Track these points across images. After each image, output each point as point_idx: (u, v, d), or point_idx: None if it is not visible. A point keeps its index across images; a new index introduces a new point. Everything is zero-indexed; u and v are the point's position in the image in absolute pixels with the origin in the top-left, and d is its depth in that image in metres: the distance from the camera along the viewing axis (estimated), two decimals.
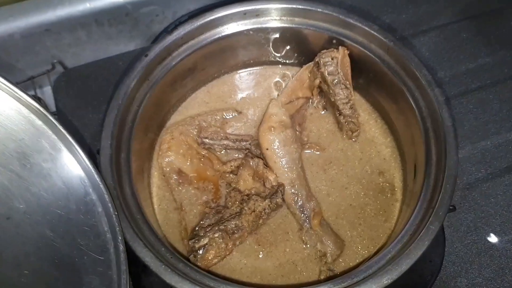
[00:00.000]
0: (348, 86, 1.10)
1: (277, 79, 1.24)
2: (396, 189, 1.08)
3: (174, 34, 1.07)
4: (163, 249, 0.86)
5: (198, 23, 1.08)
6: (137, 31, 1.54)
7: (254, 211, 0.97)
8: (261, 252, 1.01)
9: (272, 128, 1.05)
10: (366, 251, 1.01)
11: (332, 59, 1.09)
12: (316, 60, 1.11)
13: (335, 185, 1.09)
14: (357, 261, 1.00)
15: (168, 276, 0.80)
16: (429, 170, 0.92)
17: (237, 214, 0.98)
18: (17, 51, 1.50)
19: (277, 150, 1.05)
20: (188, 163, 1.10)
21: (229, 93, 1.22)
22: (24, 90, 0.85)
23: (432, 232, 0.82)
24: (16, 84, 0.85)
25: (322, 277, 0.98)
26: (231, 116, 1.18)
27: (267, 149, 1.05)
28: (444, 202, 0.84)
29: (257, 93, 1.22)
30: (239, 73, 1.24)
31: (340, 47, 1.09)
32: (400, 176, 1.09)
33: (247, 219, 0.96)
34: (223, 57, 1.18)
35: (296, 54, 1.21)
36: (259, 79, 1.24)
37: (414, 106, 1.00)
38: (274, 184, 1.03)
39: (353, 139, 1.14)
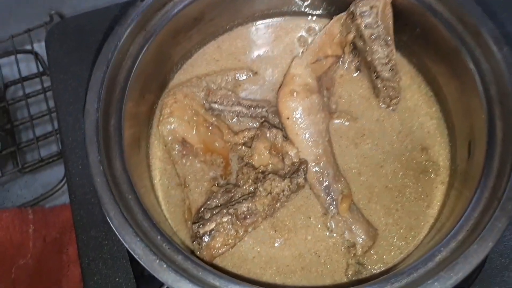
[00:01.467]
0: (389, 42, 0.90)
1: (302, 33, 1.04)
2: (441, 169, 0.90)
3: None
4: (159, 237, 0.71)
5: None
6: None
7: (270, 192, 0.80)
8: (277, 239, 0.86)
9: (295, 93, 0.87)
10: (403, 242, 0.85)
11: (371, 8, 0.89)
12: (351, 9, 0.91)
13: (368, 163, 0.91)
14: (392, 253, 0.84)
15: (163, 274, 0.65)
16: (493, 150, 0.73)
17: (250, 195, 0.82)
18: (11, 1, 1.38)
19: (300, 120, 0.86)
20: (193, 132, 0.93)
21: (243, 49, 1.03)
22: None
23: (498, 231, 0.64)
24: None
25: (349, 272, 0.82)
26: (245, 77, 1.00)
27: (287, 118, 0.87)
28: None
29: (277, 50, 1.03)
30: (256, 25, 1.04)
31: None
32: (447, 154, 0.91)
33: (262, 202, 0.80)
34: (236, 4, 0.98)
35: (325, 3, 1.00)
36: (279, 33, 1.04)
37: (473, 68, 0.80)
38: (295, 160, 0.85)
39: (392, 108, 0.95)
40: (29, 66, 1.48)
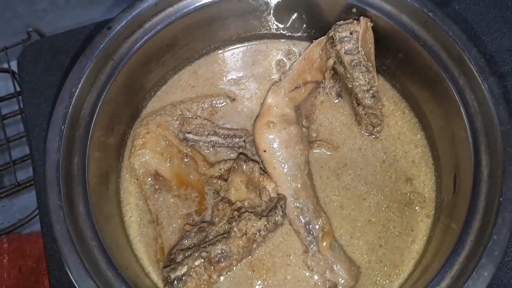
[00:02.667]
0: (370, 69, 0.86)
1: (281, 56, 1.00)
2: (427, 201, 0.86)
3: (145, 0, 0.82)
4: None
5: None
6: None
7: (246, 233, 0.75)
8: (255, 280, 0.81)
9: (272, 124, 0.82)
10: (387, 281, 0.81)
11: (351, 33, 0.84)
12: (330, 34, 0.87)
13: (351, 195, 0.86)
14: None
15: None
16: (478, 187, 0.69)
17: (225, 235, 0.77)
18: None
19: (277, 153, 0.82)
20: (167, 164, 0.88)
21: (220, 74, 0.99)
22: None
23: (484, 280, 0.60)
24: None
25: None
26: (222, 104, 0.95)
27: (264, 151, 0.82)
28: (501, 237, 0.62)
29: (256, 75, 0.98)
30: (233, 49, 1.00)
31: (361, 18, 0.84)
32: (433, 185, 0.87)
33: (236, 244, 0.75)
34: (211, 28, 0.94)
35: (304, 25, 0.96)
36: (258, 57, 1.00)
37: (457, 99, 0.76)
38: (272, 195, 0.81)
39: (375, 136, 0.91)
40: (6, 85, 1.42)
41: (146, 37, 0.84)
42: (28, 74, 1.09)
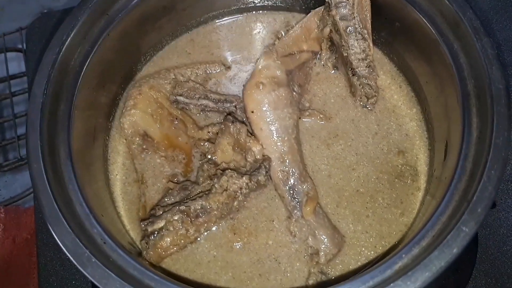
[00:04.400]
0: (366, 36, 0.84)
1: (278, 28, 0.99)
2: (419, 175, 0.83)
3: None
4: (95, 230, 0.65)
5: None
6: None
7: (226, 189, 0.74)
8: (236, 243, 0.79)
9: (261, 85, 0.81)
10: (372, 252, 0.78)
11: None
12: (327, 0, 0.85)
13: (340, 165, 0.84)
14: (359, 264, 0.77)
15: (90, 269, 0.59)
16: (467, 149, 0.66)
17: (207, 192, 0.76)
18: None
19: (265, 114, 0.81)
20: (157, 126, 0.88)
21: (217, 43, 0.98)
22: None
23: (465, 236, 0.57)
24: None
25: (310, 282, 0.75)
26: (216, 71, 0.95)
27: (252, 111, 0.81)
28: (485, 194, 0.59)
29: (253, 45, 0.98)
30: (231, 18, 1.00)
31: None
32: (426, 158, 0.84)
33: (216, 200, 0.73)
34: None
35: None
36: (255, 28, 1.00)
37: (451, 63, 0.74)
38: (258, 157, 0.79)
39: (369, 107, 0.89)
40: (19, 65, 1.45)
41: None
42: (34, 50, 1.11)
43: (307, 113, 0.87)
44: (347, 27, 0.84)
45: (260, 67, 0.83)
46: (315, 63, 0.94)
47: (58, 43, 0.76)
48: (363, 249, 0.78)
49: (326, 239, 0.76)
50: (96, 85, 0.83)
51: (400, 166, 0.84)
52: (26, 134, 0.68)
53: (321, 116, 0.88)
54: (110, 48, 0.84)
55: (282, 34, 0.97)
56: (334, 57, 0.92)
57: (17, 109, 1.29)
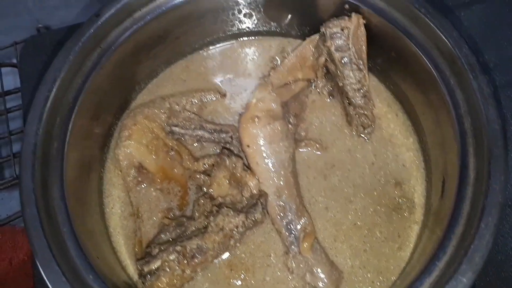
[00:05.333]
0: (361, 67, 0.84)
1: (273, 54, 0.98)
2: (416, 207, 0.82)
3: None
4: (90, 277, 0.64)
5: None
6: None
7: (222, 229, 0.73)
8: (233, 280, 0.78)
9: (256, 119, 0.81)
10: None
11: (342, 30, 0.83)
12: (322, 30, 0.85)
13: (337, 197, 0.84)
14: None
15: None
16: (464, 191, 0.66)
17: (202, 230, 0.75)
18: None
19: (261, 148, 0.80)
20: (152, 157, 0.87)
21: (212, 70, 0.98)
22: None
23: (463, 287, 0.56)
24: None
25: None
26: (212, 99, 0.94)
27: (248, 146, 0.81)
28: (483, 242, 0.58)
29: (248, 72, 0.97)
30: (226, 44, 0.99)
31: (353, 14, 0.83)
32: (423, 190, 0.83)
33: (212, 239, 0.73)
34: (204, 22, 0.93)
35: (298, 23, 0.95)
36: (251, 54, 0.99)
37: (448, 99, 0.73)
38: (254, 192, 0.79)
39: (365, 137, 0.88)
40: (15, 80, 1.44)
41: (135, 27, 0.84)
42: (29, 68, 1.09)
43: (303, 144, 0.87)
44: (342, 58, 0.83)
45: (255, 100, 0.83)
46: (310, 90, 0.93)
47: (51, 79, 0.75)
48: (361, 285, 0.77)
49: (324, 276, 0.76)
50: (90, 118, 0.82)
51: (397, 198, 0.83)
52: (19, 176, 0.67)
53: (318, 146, 0.87)
54: (104, 80, 0.83)
55: (277, 61, 0.96)
56: (329, 85, 0.92)
57: (12, 126, 1.27)
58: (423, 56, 0.76)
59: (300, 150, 0.87)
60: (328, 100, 0.92)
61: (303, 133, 0.89)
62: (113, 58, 0.83)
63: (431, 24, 0.74)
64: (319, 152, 0.88)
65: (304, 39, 0.96)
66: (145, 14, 0.84)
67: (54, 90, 0.74)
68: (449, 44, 0.72)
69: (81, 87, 0.79)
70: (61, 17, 1.42)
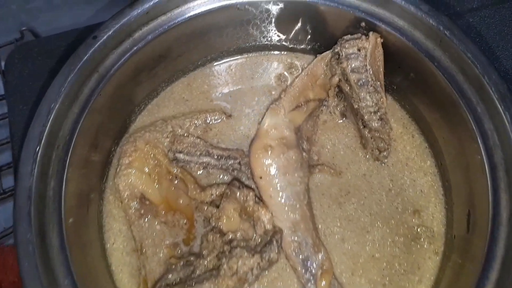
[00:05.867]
0: (378, 89, 0.79)
1: (282, 70, 0.93)
2: (436, 236, 0.79)
3: (135, 8, 0.75)
4: None
5: None
6: None
7: (236, 273, 0.68)
8: None
9: (269, 148, 0.75)
10: None
11: (359, 50, 0.77)
12: (336, 50, 0.79)
13: (353, 227, 0.79)
14: None
15: None
16: (496, 231, 0.62)
17: (214, 272, 0.70)
18: None
19: (274, 180, 0.75)
20: (154, 186, 0.81)
21: (216, 88, 0.91)
22: None
23: None
24: None
25: None
26: (217, 121, 0.88)
27: (260, 177, 0.75)
28: None
29: (254, 90, 0.91)
30: (230, 61, 0.93)
31: (371, 33, 0.77)
32: (442, 218, 0.80)
33: (226, 285, 0.68)
34: (208, 38, 0.86)
35: (308, 37, 0.89)
36: (257, 70, 0.93)
37: (474, 127, 0.69)
38: (268, 228, 0.74)
39: (381, 161, 0.83)
40: None
41: (135, 48, 0.77)
42: (15, 77, 1.02)
43: (317, 170, 0.82)
44: (359, 80, 0.78)
45: (266, 126, 0.77)
46: (321, 110, 0.88)
47: (45, 113, 0.68)
48: None
49: None
50: (88, 148, 0.76)
51: (416, 227, 0.79)
52: (14, 225, 0.61)
53: (332, 171, 0.83)
54: (102, 106, 0.76)
55: (286, 78, 0.91)
56: (342, 105, 0.87)
57: None
58: (446, 81, 0.72)
59: (314, 176, 0.82)
60: (341, 120, 0.87)
61: (315, 157, 0.84)
62: (112, 83, 0.76)
63: (457, 48, 0.69)
64: (332, 178, 0.83)
65: (313, 54, 0.91)
66: (146, 34, 0.78)
67: (49, 124, 0.68)
68: (477, 70, 0.67)
69: (79, 118, 0.72)
70: (46, 19, 1.35)
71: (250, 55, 0.93)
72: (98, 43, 0.73)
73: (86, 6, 1.35)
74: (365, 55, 0.77)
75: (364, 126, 0.82)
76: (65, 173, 0.69)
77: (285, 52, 0.93)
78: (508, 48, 1.04)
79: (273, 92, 0.90)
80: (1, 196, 1.19)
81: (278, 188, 0.75)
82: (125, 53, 0.77)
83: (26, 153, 0.66)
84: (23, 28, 1.32)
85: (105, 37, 0.74)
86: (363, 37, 0.77)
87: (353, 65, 0.78)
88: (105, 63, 0.75)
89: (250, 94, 0.90)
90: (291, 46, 0.92)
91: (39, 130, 0.67)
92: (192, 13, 0.79)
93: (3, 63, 1.30)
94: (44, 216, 0.65)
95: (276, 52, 0.93)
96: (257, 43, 0.92)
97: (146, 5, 0.76)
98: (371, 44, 0.76)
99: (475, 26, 1.04)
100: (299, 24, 0.87)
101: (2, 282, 1.18)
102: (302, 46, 0.91)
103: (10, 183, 1.19)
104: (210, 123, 0.88)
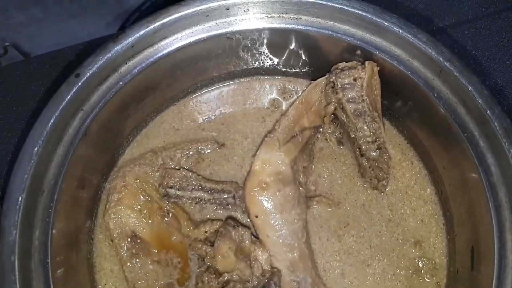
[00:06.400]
0: (376, 119, 0.76)
1: (275, 95, 0.90)
2: (437, 268, 0.77)
3: (119, 42, 0.71)
4: None
5: (156, 24, 0.72)
6: (106, 8, 1.19)
7: None
8: None
9: (264, 185, 0.72)
10: None
11: (355, 80, 0.74)
12: (332, 79, 0.76)
13: (353, 260, 0.77)
14: None
15: None
16: (503, 275, 0.59)
17: None
18: None
19: (271, 219, 0.72)
20: (146, 223, 0.78)
21: (207, 115, 0.88)
22: None
23: None
24: None
25: None
26: (209, 151, 0.85)
27: (256, 216, 0.73)
28: None
29: (247, 117, 0.88)
30: (222, 86, 0.90)
31: (366, 62, 0.74)
32: (444, 249, 0.78)
33: None
34: (197, 67, 0.83)
35: (301, 62, 0.86)
36: (249, 95, 0.90)
37: (477, 162, 0.67)
38: (265, 268, 0.71)
39: (380, 190, 0.81)
40: None
41: (121, 83, 0.74)
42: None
43: (315, 202, 0.79)
44: (355, 110, 0.75)
45: (261, 162, 0.74)
46: (317, 137, 0.85)
47: (28, 158, 0.65)
48: None
49: None
50: (75, 189, 0.73)
51: (417, 260, 0.77)
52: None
53: (330, 202, 0.80)
54: (89, 145, 0.73)
55: (280, 103, 0.88)
56: (338, 132, 0.84)
57: None
58: (447, 112, 0.69)
59: (311, 207, 0.79)
60: (337, 148, 0.84)
61: (312, 188, 0.81)
62: (98, 120, 0.73)
63: (458, 80, 0.66)
64: (330, 209, 0.80)
65: (306, 78, 0.88)
66: (132, 68, 0.74)
67: (32, 170, 0.64)
68: (479, 104, 0.65)
69: (64, 160, 0.69)
70: (29, 34, 1.30)
71: (242, 80, 0.90)
72: (81, 81, 0.70)
73: (70, 19, 1.31)
74: (362, 85, 0.74)
75: (362, 155, 0.79)
76: (51, 219, 0.66)
77: (278, 77, 0.90)
78: (504, 61, 1.02)
79: (266, 119, 0.87)
80: None
81: (275, 227, 0.72)
82: (110, 89, 0.73)
83: (9, 204, 0.62)
84: (6, 44, 1.28)
85: (88, 75, 0.70)
86: (359, 66, 0.75)
87: (349, 95, 0.75)
88: (90, 100, 0.72)
89: (243, 121, 0.87)
90: (284, 69, 0.89)
91: (21, 179, 0.64)
92: (179, 44, 0.75)
93: None
94: (30, 270, 0.61)
95: (269, 77, 0.90)
96: (249, 67, 0.88)
97: (131, 38, 0.72)
98: (367, 73, 0.74)
99: (471, 38, 1.02)
100: (292, 49, 0.83)
101: None
102: (295, 70, 0.88)
103: None
104: (203, 153, 0.85)
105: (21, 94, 0.97)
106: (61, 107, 0.68)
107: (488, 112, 0.64)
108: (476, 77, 0.66)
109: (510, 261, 0.60)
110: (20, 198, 0.63)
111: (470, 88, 0.66)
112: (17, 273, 0.59)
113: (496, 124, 0.64)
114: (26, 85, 0.99)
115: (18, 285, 0.59)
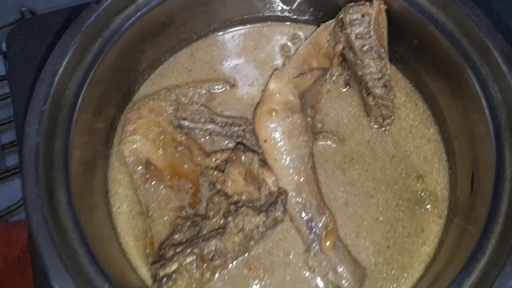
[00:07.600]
0: (383, 55, 0.79)
1: (285, 41, 0.93)
2: (439, 200, 0.79)
3: None
4: (106, 286, 0.60)
5: None
6: None
7: (242, 229, 0.69)
8: (252, 280, 0.75)
9: (274, 112, 0.76)
10: (394, 285, 0.75)
11: (363, 16, 0.77)
12: (340, 16, 0.80)
13: (357, 191, 0.80)
14: None
15: None
16: (500, 188, 0.62)
17: (220, 230, 0.71)
18: None
19: (279, 144, 0.75)
20: (159, 153, 0.81)
21: (219, 58, 0.92)
22: None
23: None
24: None
25: None
26: (220, 90, 0.89)
27: (265, 141, 0.76)
28: None
29: (258, 60, 0.91)
30: (234, 31, 0.93)
31: (374, 0, 0.77)
32: (446, 183, 0.80)
33: (232, 241, 0.69)
34: (211, 8, 0.87)
35: (312, 8, 0.89)
36: (260, 41, 0.93)
37: (479, 90, 0.69)
38: (272, 189, 0.74)
39: (384, 128, 0.84)
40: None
41: (139, 14, 0.78)
42: (16, 54, 1.02)
43: (321, 136, 0.83)
44: (363, 46, 0.78)
45: (271, 91, 0.77)
46: (325, 80, 0.88)
47: (50, 74, 0.69)
48: (386, 282, 0.75)
49: (347, 274, 0.72)
50: (93, 114, 0.76)
51: (419, 192, 0.80)
52: (22, 182, 0.61)
53: (335, 138, 0.83)
54: (107, 72, 0.77)
55: (289, 48, 0.91)
56: (346, 74, 0.87)
57: (0, 116, 1.20)
58: (451, 45, 0.72)
59: (317, 143, 0.83)
60: (344, 89, 0.88)
61: (319, 125, 0.85)
62: (116, 48, 0.77)
63: (462, 12, 0.69)
64: (336, 145, 0.83)
65: (316, 25, 0.91)
66: (149, 0, 0.77)
67: (54, 86, 0.68)
68: (481, 33, 0.68)
69: (83, 81, 0.73)
70: (46, 0, 1.34)
71: (254, 26, 0.93)
72: (102, 7, 0.73)
73: None
74: (369, 21, 0.77)
75: (368, 93, 0.82)
76: (71, 135, 0.69)
77: (288, 23, 0.93)
78: None
79: (276, 62, 0.91)
80: (4, 174, 1.19)
81: (283, 151, 0.75)
82: (128, 19, 0.77)
83: (32, 113, 0.66)
84: (23, 9, 1.32)
85: (108, 2, 0.74)
86: (367, 3, 0.78)
87: (357, 31, 0.78)
88: (109, 27, 0.75)
89: (253, 64, 0.91)
90: (294, 17, 0.92)
91: (44, 91, 0.67)
92: None
93: (3, 45, 1.31)
94: (52, 174, 0.65)
95: (279, 23, 0.93)
96: (261, 14, 0.92)
97: None
98: (375, 9, 0.77)
99: None
100: None
101: (7, 257, 1.19)
102: (305, 17, 0.92)
103: (13, 161, 1.20)
104: (214, 92, 0.88)
105: (38, 46, 1.00)
106: (82, 30, 0.72)
107: (490, 40, 0.67)
108: (479, 8, 0.69)
109: (508, 175, 0.62)
110: (42, 108, 0.66)
111: (473, 18, 0.69)
112: (39, 173, 0.63)
113: (497, 50, 0.67)
114: (43, 38, 1.02)
115: (40, 183, 0.62)
